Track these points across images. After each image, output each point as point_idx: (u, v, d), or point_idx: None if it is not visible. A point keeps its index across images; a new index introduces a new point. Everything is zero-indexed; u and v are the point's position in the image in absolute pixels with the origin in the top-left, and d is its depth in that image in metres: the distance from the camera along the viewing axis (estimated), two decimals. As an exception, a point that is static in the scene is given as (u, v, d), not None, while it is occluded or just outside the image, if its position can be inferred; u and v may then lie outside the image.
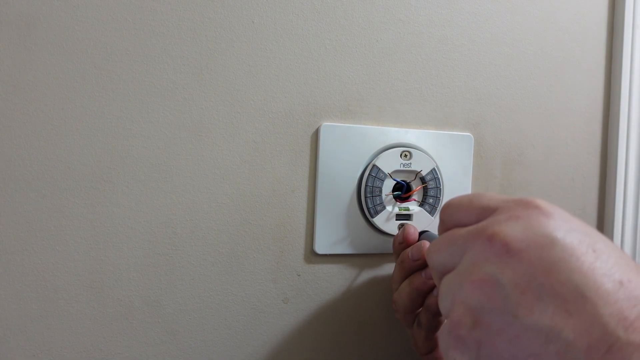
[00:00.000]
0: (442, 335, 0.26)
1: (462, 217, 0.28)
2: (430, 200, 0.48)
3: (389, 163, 0.46)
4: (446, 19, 0.50)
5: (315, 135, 0.46)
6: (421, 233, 0.44)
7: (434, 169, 0.48)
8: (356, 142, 0.46)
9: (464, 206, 0.28)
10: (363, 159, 0.46)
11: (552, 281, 0.22)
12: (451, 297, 0.26)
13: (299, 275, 0.46)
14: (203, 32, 0.42)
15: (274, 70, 0.44)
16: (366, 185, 0.46)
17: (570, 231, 0.23)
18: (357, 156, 0.46)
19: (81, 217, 0.40)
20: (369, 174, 0.46)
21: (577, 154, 0.57)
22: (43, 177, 0.39)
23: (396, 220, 0.46)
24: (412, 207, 0.47)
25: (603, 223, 0.59)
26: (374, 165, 0.46)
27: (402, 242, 0.42)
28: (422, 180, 0.47)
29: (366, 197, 0.46)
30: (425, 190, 0.48)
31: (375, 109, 0.48)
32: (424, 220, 0.47)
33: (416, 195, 0.47)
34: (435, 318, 0.40)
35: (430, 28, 0.49)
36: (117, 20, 0.40)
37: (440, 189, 0.48)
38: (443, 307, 0.27)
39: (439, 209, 0.48)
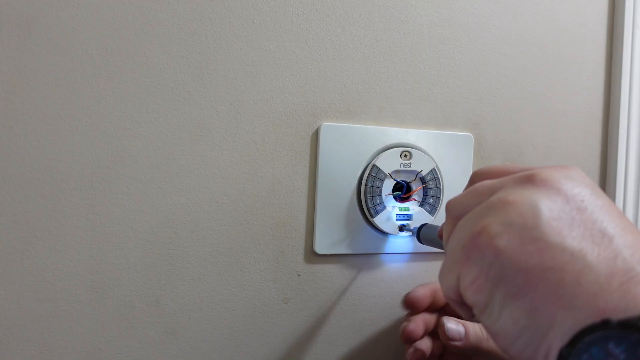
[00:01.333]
0: (453, 252, 0.26)
1: (495, 177, 0.28)
2: (431, 200, 0.48)
3: (389, 163, 0.46)
4: (446, 19, 0.50)
5: (315, 135, 0.46)
6: (421, 227, 0.44)
7: (434, 169, 0.48)
8: (356, 142, 0.46)
9: (499, 168, 0.29)
10: (363, 159, 0.46)
11: (584, 218, 0.23)
12: (473, 222, 0.26)
13: (299, 275, 0.46)
14: (203, 32, 0.42)
15: (274, 70, 0.44)
16: (366, 185, 0.46)
17: (601, 193, 0.25)
18: (357, 156, 0.46)
19: (81, 217, 0.40)
20: (369, 174, 0.46)
21: (577, 154, 0.57)
22: (43, 177, 0.39)
23: (396, 220, 0.46)
24: (412, 207, 0.47)
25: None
26: (374, 165, 0.46)
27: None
28: (422, 180, 0.47)
29: (366, 197, 0.46)
30: (425, 190, 0.48)
31: (375, 109, 0.48)
32: (424, 220, 0.47)
33: (416, 195, 0.47)
34: None
35: (430, 28, 0.49)
36: (117, 20, 0.40)
37: (440, 189, 0.48)
38: (455, 240, 0.26)
39: (439, 209, 0.48)
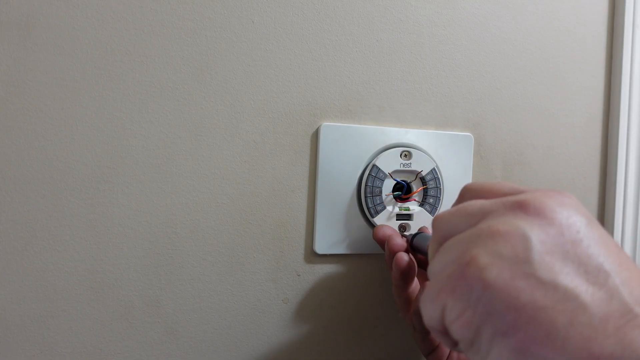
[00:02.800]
0: (437, 278, 0.25)
1: (486, 195, 0.27)
2: (431, 200, 0.48)
3: (389, 163, 0.46)
4: (446, 19, 0.50)
5: (315, 135, 0.46)
6: (415, 235, 0.43)
7: (434, 169, 0.48)
8: (356, 142, 0.46)
9: (490, 186, 0.28)
10: (363, 159, 0.46)
11: (578, 252, 0.22)
12: (460, 249, 0.24)
13: (299, 275, 0.46)
14: (203, 32, 0.42)
15: (274, 70, 0.44)
16: (366, 185, 0.46)
17: (596, 223, 0.24)
18: (357, 156, 0.46)
19: (81, 217, 0.40)
20: (369, 174, 0.46)
21: (577, 154, 0.57)
22: (43, 177, 0.39)
23: (396, 220, 0.46)
24: (413, 207, 0.47)
25: (603, 223, 0.59)
26: (374, 165, 0.46)
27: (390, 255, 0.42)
28: (422, 180, 0.47)
29: (366, 197, 0.46)
30: (425, 190, 0.48)
31: (375, 109, 0.48)
32: (424, 220, 0.47)
33: (416, 196, 0.47)
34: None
35: (430, 28, 0.49)
36: (117, 20, 0.40)
37: (440, 188, 0.48)
38: (439, 263, 0.25)
39: (439, 208, 0.48)
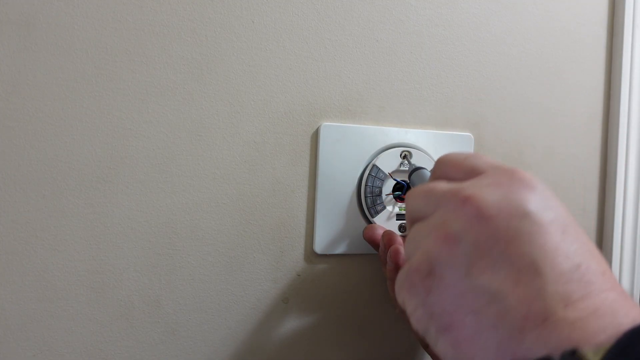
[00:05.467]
0: (400, 276, 0.27)
1: (451, 172, 0.28)
2: (430, 200, 0.47)
3: (389, 163, 0.46)
4: (446, 19, 0.50)
5: (315, 135, 0.46)
6: (415, 170, 0.42)
7: (434, 169, 0.48)
8: (356, 142, 0.46)
9: (456, 162, 0.29)
10: (363, 159, 0.46)
11: (511, 251, 0.23)
12: (416, 243, 0.26)
13: (299, 275, 0.46)
14: (203, 32, 0.42)
15: (274, 70, 0.44)
16: (366, 185, 0.46)
17: (546, 209, 0.24)
18: (357, 156, 0.46)
19: (81, 217, 0.40)
20: (369, 174, 0.46)
21: (577, 154, 0.57)
22: (43, 177, 0.39)
23: (396, 220, 0.47)
24: (412, 207, 0.47)
25: (603, 223, 0.59)
26: (374, 165, 0.46)
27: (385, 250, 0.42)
28: (422, 180, 0.47)
29: (366, 197, 0.46)
30: (425, 190, 0.48)
31: (375, 109, 0.48)
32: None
33: (416, 195, 0.47)
34: None
35: (430, 28, 0.49)
36: (117, 20, 0.40)
37: (440, 189, 0.48)
38: (408, 249, 0.27)
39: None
